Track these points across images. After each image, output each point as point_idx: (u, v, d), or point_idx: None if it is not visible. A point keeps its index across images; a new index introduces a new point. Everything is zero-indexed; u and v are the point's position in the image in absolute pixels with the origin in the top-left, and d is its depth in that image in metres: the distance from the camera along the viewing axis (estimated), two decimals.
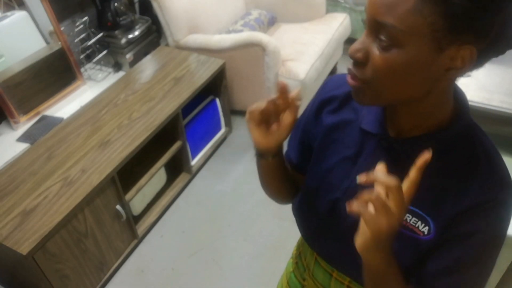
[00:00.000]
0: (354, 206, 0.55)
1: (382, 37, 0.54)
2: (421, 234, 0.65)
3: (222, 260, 1.99)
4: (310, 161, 0.82)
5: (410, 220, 0.66)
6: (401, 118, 0.65)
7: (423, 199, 0.64)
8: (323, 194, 0.76)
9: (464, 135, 0.64)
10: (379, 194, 0.54)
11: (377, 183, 0.55)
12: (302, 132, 0.83)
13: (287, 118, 0.70)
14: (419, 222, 0.65)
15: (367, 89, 0.59)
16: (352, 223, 0.71)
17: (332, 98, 0.77)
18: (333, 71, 2.98)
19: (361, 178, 0.55)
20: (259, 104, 0.68)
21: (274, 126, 0.70)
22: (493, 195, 0.61)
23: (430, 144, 0.62)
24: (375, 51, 0.56)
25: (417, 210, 0.65)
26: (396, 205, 0.54)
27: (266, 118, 0.70)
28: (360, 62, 0.57)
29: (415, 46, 0.53)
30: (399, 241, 0.65)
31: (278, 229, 2.07)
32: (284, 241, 2.01)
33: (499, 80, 1.74)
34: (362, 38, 0.57)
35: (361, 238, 0.58)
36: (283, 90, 0.67)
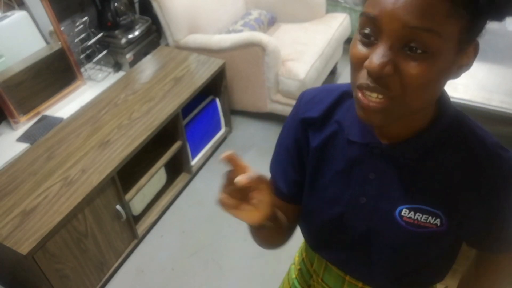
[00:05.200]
0: None
1: (414, 46, 0.50)
2: (434, 226, 0.66)
3: (222, 260, 1.99)
4: (302, 189, 0.78)
5: (421, 218, 0.66)
6: (392, 124, 0.61)
7: (429, 196, 0.65)
8: (325, 211, 0.75)
9: (453, 125, 0.64)
10: None
11: None
12: (293, 155, 0.77)
13: (260, 195, 0.61)
14: (430, 217, 0.66)
15: (394, 107, 0.54)
16: (362, 232, 0.72)
17: (310, 120, 0.74)
18: (333, 71, 2.98)
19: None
20: (224, 189, 0.61)
21: (254, 201, 0.62)
22: (500, 172, 0.63)
23: (423, 143, 0.63)
24: (407, 62, 0.51)
25: (425, 207, 0.66)
26: None
27: (241, 195, 0.62)
28: (389, 77, 0.52)
29: (447, 51, 0.51)
30: (417, 240, 0.68)
31: None
32: None
33: (499, 80, 1.74)
34: (382, 51, 0.51)
35: None
36: (232, 161, 0.58)
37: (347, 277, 0.84)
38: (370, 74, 0.52)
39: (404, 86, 0.52)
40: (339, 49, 2.83)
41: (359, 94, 0.55)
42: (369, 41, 0.53)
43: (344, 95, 0.72)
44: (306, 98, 0.76)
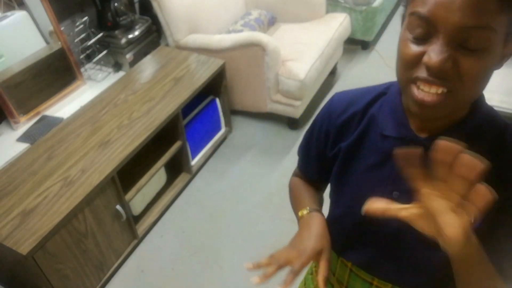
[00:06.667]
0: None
1: (471, 42, 0.52)
2: None
3: (222, 260, 1.99)
4: (330, 171, 0.82)
5: None
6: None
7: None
8: (356, 209, 0.74)
9: (487, 119, 0.65)
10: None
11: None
12: (318, 153, 0.83)
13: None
14: None
15: (450, 100, 0.56)
16: (394, 227, 0.71)
17: (345, 124, 0.75)
18: (333, 71, 2.98)
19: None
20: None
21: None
22: None
23: (460, 135, 0.63)
24: (464, 56, 0.53)
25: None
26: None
27: None
28: (448, 72, 0.53)
29: (497, 45, 0.53)
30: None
31: (278, 229, 2.07)
32: (284, 241, 2.00)
33: (499, 80, 1.74)
34: (439, 46, 0.52)
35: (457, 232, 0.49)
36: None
37: (375, 281, 0.82)
38: (430, 69, 0.53)
39: (461, 80, 0.54)
40: (339, 49, 2.84)
41: (414, 89, 0.57)
42: (422, 39, 0.54)
43: (379, 95, 0.74)
44: (339, 100, 0.78)
